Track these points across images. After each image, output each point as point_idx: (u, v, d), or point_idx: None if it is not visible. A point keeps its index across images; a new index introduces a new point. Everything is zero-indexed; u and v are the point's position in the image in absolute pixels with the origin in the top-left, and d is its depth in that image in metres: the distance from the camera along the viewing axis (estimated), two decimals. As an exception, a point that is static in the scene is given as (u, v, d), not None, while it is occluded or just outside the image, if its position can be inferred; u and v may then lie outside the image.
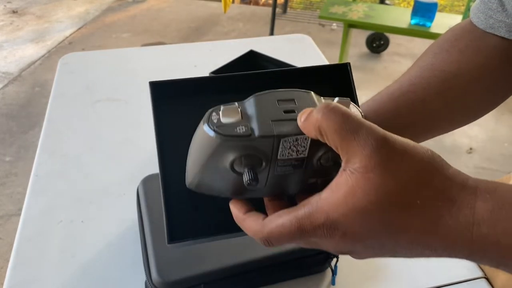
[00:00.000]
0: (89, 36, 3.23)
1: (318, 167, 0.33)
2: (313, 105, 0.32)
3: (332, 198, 0.29)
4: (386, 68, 2.84)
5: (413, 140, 0.29)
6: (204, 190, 0.36)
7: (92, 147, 0.86)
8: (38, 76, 2.74)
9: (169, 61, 1.15)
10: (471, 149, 2.18)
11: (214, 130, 0.30)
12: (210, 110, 0.32)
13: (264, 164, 0.32)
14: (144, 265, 0.57)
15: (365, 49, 2.97)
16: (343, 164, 0.29)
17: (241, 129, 0.30)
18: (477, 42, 0.51)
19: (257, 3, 3.84)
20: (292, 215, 0.30)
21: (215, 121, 0.31)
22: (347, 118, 0.28)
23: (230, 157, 0.31)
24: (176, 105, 0.39)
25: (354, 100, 0.42)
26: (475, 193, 0.28)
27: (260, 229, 0.32)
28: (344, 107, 0.29)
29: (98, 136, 0.89)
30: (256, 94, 0.32)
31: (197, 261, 0.55)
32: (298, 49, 1.22)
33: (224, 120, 0.31)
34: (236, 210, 0.35)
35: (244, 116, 0.31)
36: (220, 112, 0.31)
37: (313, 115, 0.29)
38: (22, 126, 2.30)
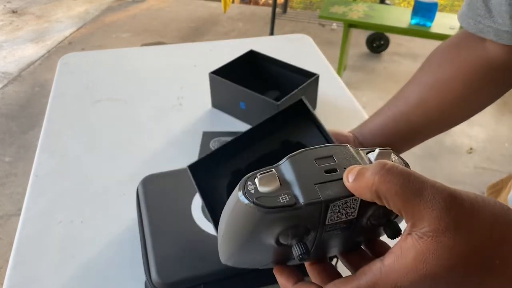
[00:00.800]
0: (89, 36, 3.23)
1: (368, 226, 0.31)
2: (354, 160, 0.29)
3: (399, 264, 0.26)
4: (386, 68, 2.84)
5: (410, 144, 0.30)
6: (243, 265, 0.34)
7: (92, 147, 0.86)
8: (38, 76, 2.73)
9: (169, 61, 1.15)
10: (471, 149, 2.18)
11: (254, 202, 0.27)
12: (244, 179, 0.28)
13: (311, 232, 0.29)
14: (144, 265, 0.57)
15: (365, 49, 2.97)
16: (408, 227, 0.26)
17: (284, 199, 0.27)
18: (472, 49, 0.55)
19: (257, 3, 3.84)
20: (354, 284, 0.28)
21: (252, 191, 0.27)
22: (408, 178, 0.26)
23: (275, 230, 0.28)
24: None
25: (324, 129, 0.52)
26: None
27: None
28: (401, 166, 0.27)
29: (98, 136, 0.89)
30: (290, 155, 0.29)
31: (197, 261, 0.55)
32: (298, 49, 1.22)
33: (262, 189, 0.27)
34: (283, 280, 0.32)
35: (283, 182, 0.28)
36: (257, 181, 0.27)
37: (367, 177, 0.26)
38: (22, 126, 2.30)
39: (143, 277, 0.58)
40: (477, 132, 2.28)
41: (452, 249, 0.25)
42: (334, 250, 0.33)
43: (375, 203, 0.28)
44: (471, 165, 2.09)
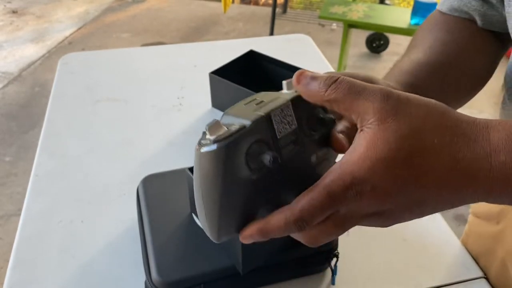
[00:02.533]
0: (89, 36, 3.23)
1: (312, 136, 0.35)
2: (274, 95, 0.35)
3: (353, 157, 0.29)
4: (386, 68, 2.82)
5: None
6: (237, 231, 0.34)
7: (92, 147, 0.86)
8: (38, 76, 2.74)
9: (169, 61, 1.15)
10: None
11: (214, 142, 0.31)
12: (198, 141, 0.33)
13: (272, 150, 0.32)
14: (144, 265, 0.57)
15: (365, 49, 2.97)
16: (358, 125, 0.30)
17: (234, 128, 0.31)
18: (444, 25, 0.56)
19: (257, 3, 3.84)
20: (319, 186, 0.30)
21: (208, 140, 0.31)
22: (353, 84, 0.30)
23: (241, 159, 0.31)
24: None
25: None
26: (487, 127, 0.29)
27: (290, 212, 0.31)
28: (345, 77, 0.31)
29: (98, 136, 0.89)
30: (224, 111, 0.34)
31: (197, 261, 0.55)
32: (298, 49, 1.22)
33: (214, 136, 0.31)
34: (258, 224, 0.33)
35: (228, 125, 0.32)
36: (207, 132, 0.31)
37: (319, 86, 0.31)
38: (22, 126, 2.30)
39: (143, 277, 0.58)
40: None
41: (396, 132, 0.28)
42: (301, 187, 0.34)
43: (304, 106, 0.33)
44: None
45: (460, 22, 0.55)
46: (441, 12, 0.58)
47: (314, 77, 0.32)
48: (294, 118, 0.33)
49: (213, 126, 0.31)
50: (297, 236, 0.33)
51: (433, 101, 0.30)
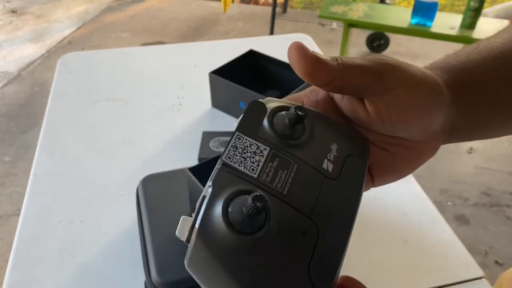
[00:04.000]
0: (88, 36, 3.23)
1: (301, 145, 0.27)
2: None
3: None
4: (386, 67, 2.84)
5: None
6: None
7: (92, 147, 0.86)
8: (38, 76, 2.73)
9: (169, 61, 1.15)
10: (471, 148, 2.17)
11: (187, 242, 0.23)
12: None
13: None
14: (143, 265, 0.57)
15: (365, 49, 2.97)
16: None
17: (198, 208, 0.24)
18: None
19: (257, 3, 3.84)
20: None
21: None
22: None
23: (221, 228, 0.22)
24: None
25: None
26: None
27: None
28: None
29: (97, 136, 0.89)
30: None
31: (197, 262, 0.55)
32: (298, 49, 1.22)
33: (186, 235, 0.24)
34: None
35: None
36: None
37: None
38: (22, 126, 2.30)
39: (143, 277, 0.58)
40: (477, 132, 2.28)
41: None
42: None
43: (256, 123, 0.26)
44: (471, 165, 2.08)
45: None
46: None
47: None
48: (258, 143, 0.26)
49: (180, 226, 0.24)
50: None
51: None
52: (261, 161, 0.25)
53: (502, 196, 1.92)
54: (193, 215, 0.23)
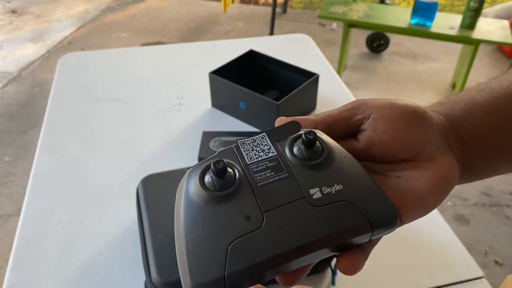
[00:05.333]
0: (88, 36, 3.23)
1: (307, 166, 0.28)
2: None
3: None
4: (386, 68, 2.84)
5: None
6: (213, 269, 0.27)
7: (92, 147, 0.86)
8: (38, 76, 2.73)
9: (169, 61, 1.15)
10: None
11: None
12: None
13: (241, 175, 0.28)
14: (143, 265, 0.57)
15: (365, 49, 2.97)
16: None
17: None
18: None
19: (257, 3, 3.83)
20: None
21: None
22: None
23: (198, 176, 0.28)
24: None
25: None
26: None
27: None
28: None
29: (97, 136, 0.89)
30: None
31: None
32: (298, 49, 1.22)
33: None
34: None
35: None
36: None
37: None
38: (22, 126, 2.30)
39: (143, 277, 0.58)
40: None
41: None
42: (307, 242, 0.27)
43: (283, 134, 0.30)
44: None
45: None
46: None
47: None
48: (271, 146, 0.30)
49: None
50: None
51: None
52: (261, 157, 0.29)
53: (502, 196, 1.92)
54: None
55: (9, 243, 1.71)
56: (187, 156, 0.82)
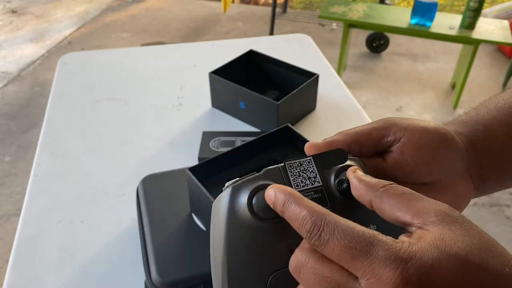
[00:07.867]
0: (88, 36, 3.23)
1: (345, 202, 0.29)
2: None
3: (418, 244, 0.24)
4: (386, 68, 2.84)
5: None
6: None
7: (92, 147, 0.86)
8: (38, 76, 2.73)
9: (169, 61, 1.15)
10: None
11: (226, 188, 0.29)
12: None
13: None
14: (143, 265, 0.57)
15: (365, 49, 2.97)
16: (408, 226, 0.26)
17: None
18: None
19: (257, 3, 3.84)
20: (369, 230, 0.24)
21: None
22: (409, 193, 0.26)
23: (244, 200, 0.28)
24: None
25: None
26: None
27: (319, 210, 0.25)
28: (397, 186, 0.27)
29: (97, 136, 0.89)
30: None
31: (197, 261, 0.55)
32: (298, 49, 1.22)
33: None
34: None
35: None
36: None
37: (364, 194, 0.27)
38: (22, 126, 2.30)
39: (143, 277, 0.58)
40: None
41: (464, 236, 0.24)
42: None
43: (328, 164, 0.30)
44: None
45: None
46: None
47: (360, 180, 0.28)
48: (317, 175, 0.30)
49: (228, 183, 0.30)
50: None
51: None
52: (307, 185, 0.29)
53: (502, 196, 1.92)
54: (239, 179, 0.29)
55: (9, 243, 1.71)
56: (187, 156, 0.82)
